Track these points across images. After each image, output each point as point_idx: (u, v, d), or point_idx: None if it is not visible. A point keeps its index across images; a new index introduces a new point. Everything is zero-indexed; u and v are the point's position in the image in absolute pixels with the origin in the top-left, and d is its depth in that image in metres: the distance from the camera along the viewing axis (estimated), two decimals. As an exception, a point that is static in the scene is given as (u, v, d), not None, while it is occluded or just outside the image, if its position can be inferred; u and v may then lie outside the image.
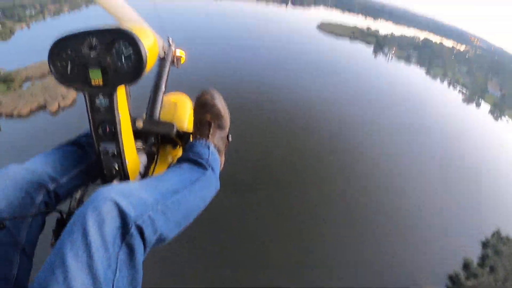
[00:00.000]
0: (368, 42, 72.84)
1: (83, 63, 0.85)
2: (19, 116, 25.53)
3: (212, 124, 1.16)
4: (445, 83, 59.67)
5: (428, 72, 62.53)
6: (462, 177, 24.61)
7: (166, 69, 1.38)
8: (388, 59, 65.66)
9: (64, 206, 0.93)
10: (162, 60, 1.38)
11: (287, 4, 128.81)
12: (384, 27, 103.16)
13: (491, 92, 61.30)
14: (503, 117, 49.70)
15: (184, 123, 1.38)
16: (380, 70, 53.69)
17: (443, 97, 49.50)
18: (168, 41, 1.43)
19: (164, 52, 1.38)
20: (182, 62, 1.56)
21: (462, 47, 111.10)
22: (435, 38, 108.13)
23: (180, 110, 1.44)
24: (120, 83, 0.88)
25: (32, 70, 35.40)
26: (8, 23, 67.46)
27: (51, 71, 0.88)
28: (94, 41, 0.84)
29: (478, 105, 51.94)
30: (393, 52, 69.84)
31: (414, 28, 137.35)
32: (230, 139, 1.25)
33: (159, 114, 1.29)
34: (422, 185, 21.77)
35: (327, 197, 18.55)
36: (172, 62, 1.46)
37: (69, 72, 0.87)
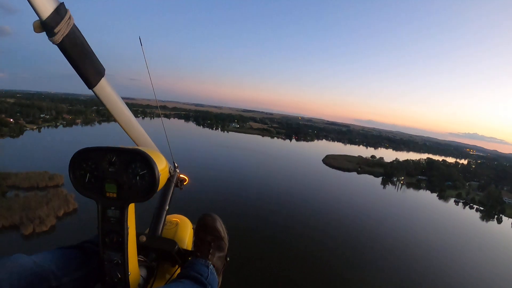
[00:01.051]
0: (375, 174, 77.58)
1: (101, 176, 0.94)
2: (-13, 228, 23.27)
3: (212, 244, 1.28)
4: (460, 204, 60.77)
5: (440, 196, 64.01)
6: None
7: (171, 190, 1.50)
8: (398, 188, 67.41)
9: None
10: (167, 182, 1.46)
11: (291, 139, 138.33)
12: (387, 155, 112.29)
13: (507, 201, 61.70)
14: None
15: (184, 243, 1.47)
16: (393, 200, 54.53)
17: (463, 221, 49.39)
18: (174, 165, 1.57)
19: (170, 174, 1.48)
20: (185, 183, 1.69)
21: (463, 161, 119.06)
22: (436, 157, 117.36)
23: (181, 230, 1.53)
24: (133, 200, 0.95)
25: (21, 179, 33.25)
26: (21, 122, 74.47)
27: (70, 178, 0.95)
28: (114, 158, 0.93)
29: (499, 221, 51.62)
30: (402, 180, 72.85)
31: (414, 151, 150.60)
32: (228, 259, 1.34)
33: (161, 231, 1.38)
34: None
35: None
36: (176, 184, 1.58)
37: (86, 182, 0.95)
